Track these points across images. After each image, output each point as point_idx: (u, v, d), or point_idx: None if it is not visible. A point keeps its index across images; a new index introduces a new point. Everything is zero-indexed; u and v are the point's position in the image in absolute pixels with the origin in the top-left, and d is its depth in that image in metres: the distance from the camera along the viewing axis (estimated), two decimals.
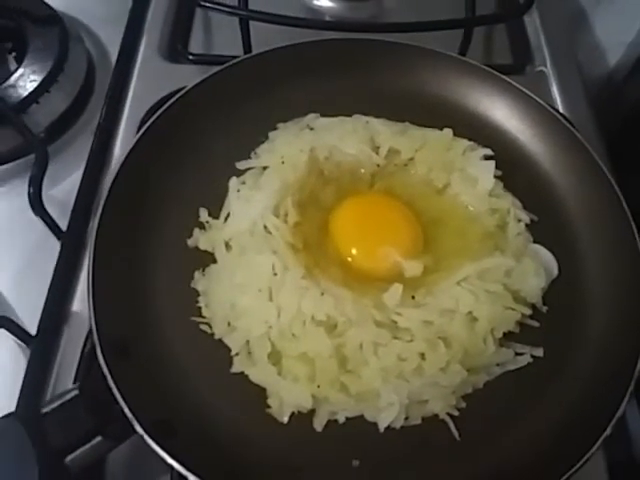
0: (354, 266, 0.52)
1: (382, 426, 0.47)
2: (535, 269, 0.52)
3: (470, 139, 0.58)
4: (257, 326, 0.48)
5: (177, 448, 0.42)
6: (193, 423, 0.46)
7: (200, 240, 0.53)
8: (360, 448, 0.46)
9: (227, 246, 0.53)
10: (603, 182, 0.56)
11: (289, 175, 0.53)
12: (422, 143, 0.56)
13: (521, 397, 0.49)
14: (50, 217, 0.59)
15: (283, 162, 0.54)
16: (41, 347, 0.54)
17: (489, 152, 0.57)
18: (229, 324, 0.49)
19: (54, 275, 0.57)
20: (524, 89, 0.60)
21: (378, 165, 0.56)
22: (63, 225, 0.60)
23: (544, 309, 0.52)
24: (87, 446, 0.41)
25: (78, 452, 0.41)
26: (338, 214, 0.53)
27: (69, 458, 0.41)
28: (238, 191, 0.54)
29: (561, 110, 0.69)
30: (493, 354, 0.49)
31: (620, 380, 0.47)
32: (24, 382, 0.52)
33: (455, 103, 0.62)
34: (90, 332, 0.51)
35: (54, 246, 0.59)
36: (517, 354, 0.50)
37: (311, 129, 0.58)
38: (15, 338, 0.54)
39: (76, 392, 0.43)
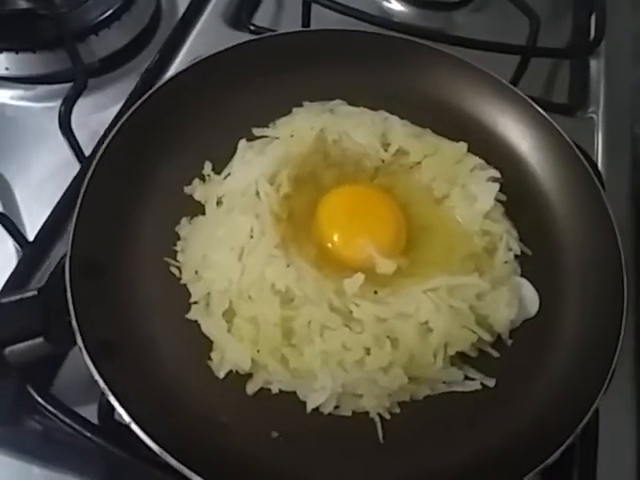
0: (331, 251, 0.52)
1: (310, 407, 0.47)
2: (508, 300, 0.50)
3: (487, 161, 0.58)
4: (220, 281, 0.49)
5: (111, 371, 0.44)
6: (136, 353, 0.47)
7: (197, 190, 0.55)
8: (284, 422, 0.47)
9: (218, 202, 0.54)
10: (610, 237, 0.54)
11: (293, 148, 0.54)
12: (434, 150, 0.56)
13: (458, 420, 0.48)
14: (75, 139, 0.62)
15: (292, 135, 0.55)
16: (32, 253, 0.57)
17: (497, 175, 0.56)
18: (196, 272, 0.51)
19: (64, 194, 0.60)
20: (552, 121, 0.59)
21: (383, 161, 0.56)
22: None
23: (509, 342, 0.51)
24: (28, 343, 0.43)
25: (18, 346, 0.43)
26: (331, 197, 0.54)
27: (9, 349, 0.43)
28: (244, 153, 0.56)
29: (599, 162, 0.67)
30: (440, 370, 0.48)
31: (560, 435, 0.45)
32: (7, 280, 0.55)
33: (483, 123, 0.61)
34: None
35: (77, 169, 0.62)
36: (468, 378, 0.49)
37: (332, 113, 0.59)
38: (12, 239, 0.58)
39: (35, 293, 0.46)
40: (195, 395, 0.47)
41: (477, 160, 0.57)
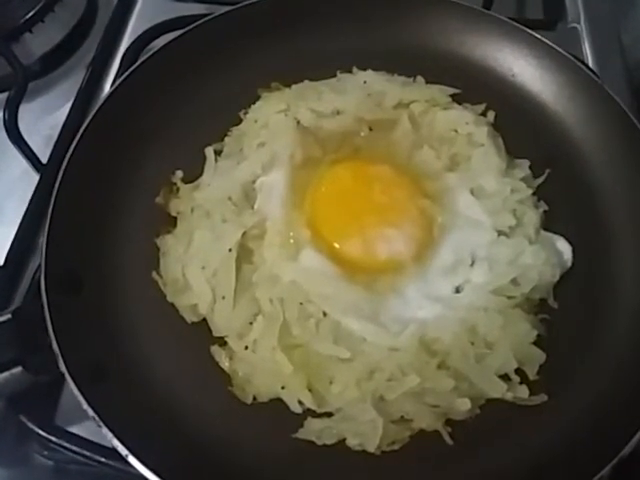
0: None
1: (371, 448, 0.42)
2: (545, 258, 0.47)
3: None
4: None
5: (101, 397, 0.40)
6: (126, 375, 0.43)
7: (170, 204, 0.51)
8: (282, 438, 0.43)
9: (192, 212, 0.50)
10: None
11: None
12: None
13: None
14: (27, 146, 0.56)
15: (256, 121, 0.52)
16: (5, 276, 0.52)
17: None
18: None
19: (28, 208, 0.55)
20: (536, 34, 0.55)
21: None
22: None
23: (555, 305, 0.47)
24: (5, 374, 0.39)
25: None
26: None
27: None
28: (216, 161, 0.52)
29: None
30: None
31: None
32: None
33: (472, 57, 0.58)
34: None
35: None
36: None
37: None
38: None
39: (9, 316, 0.41)
40: (195, 417, 0.43)
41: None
